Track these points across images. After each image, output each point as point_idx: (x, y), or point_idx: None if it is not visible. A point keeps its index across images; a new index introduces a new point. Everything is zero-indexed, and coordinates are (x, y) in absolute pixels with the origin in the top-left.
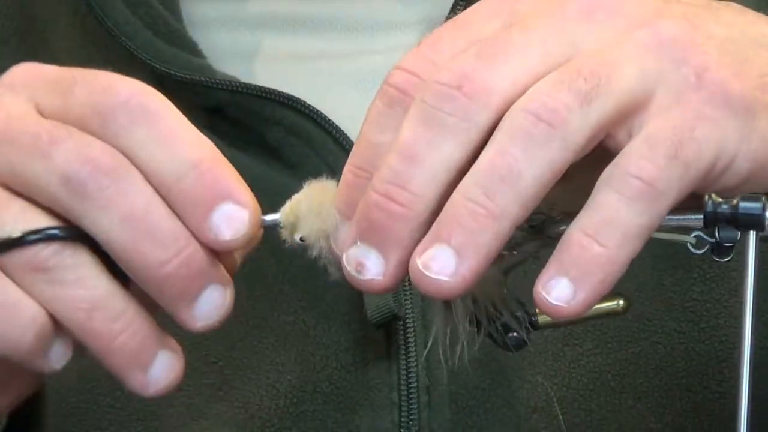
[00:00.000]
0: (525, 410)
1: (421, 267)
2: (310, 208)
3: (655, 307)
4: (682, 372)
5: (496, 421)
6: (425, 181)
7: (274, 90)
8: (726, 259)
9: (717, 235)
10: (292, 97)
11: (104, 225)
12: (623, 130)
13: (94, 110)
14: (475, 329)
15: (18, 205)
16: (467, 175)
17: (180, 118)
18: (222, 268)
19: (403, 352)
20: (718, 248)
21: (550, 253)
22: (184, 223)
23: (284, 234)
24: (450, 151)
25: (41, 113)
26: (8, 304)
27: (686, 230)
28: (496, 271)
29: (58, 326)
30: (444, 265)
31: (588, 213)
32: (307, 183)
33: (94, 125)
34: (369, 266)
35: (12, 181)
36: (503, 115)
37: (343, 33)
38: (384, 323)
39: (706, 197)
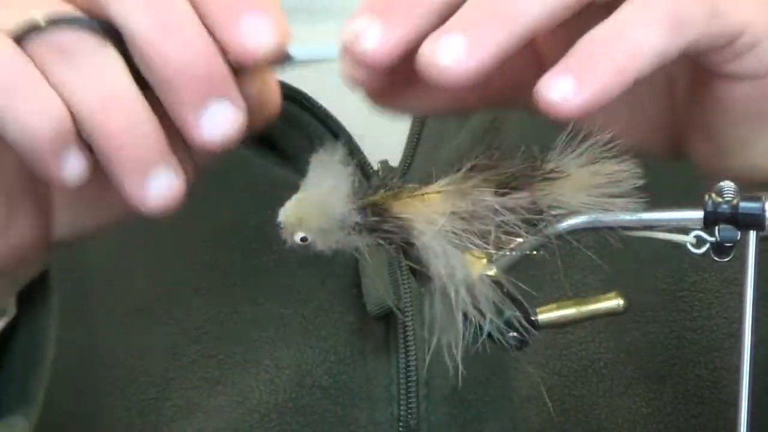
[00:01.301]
0: (519, 400)
1: (427, 52)
2: (312, 207)
3: (647, 297)
4: (673, 360)
5: (493, 413)
6: None
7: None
8: (726, 259)
9: (717, 234)
10: (292, 87)
11: (128, 14)
12: None
13: None
14: (477, 328)
15: None
16: None
17: None
18: (238, 92)
19: (402, 345)
20: (718, 248)
21: (551, 252)
22: (211, 30)
23: (285, 234)
24: None
25: None
26: (30, 89)
27: (686, 230)
28: (495, 270)
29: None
30: (453, 50)
31: (604, 24)
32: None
33: None
34: (368, 35)
35: None
36: None
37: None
38: (383, 316)
39: (706, 197)
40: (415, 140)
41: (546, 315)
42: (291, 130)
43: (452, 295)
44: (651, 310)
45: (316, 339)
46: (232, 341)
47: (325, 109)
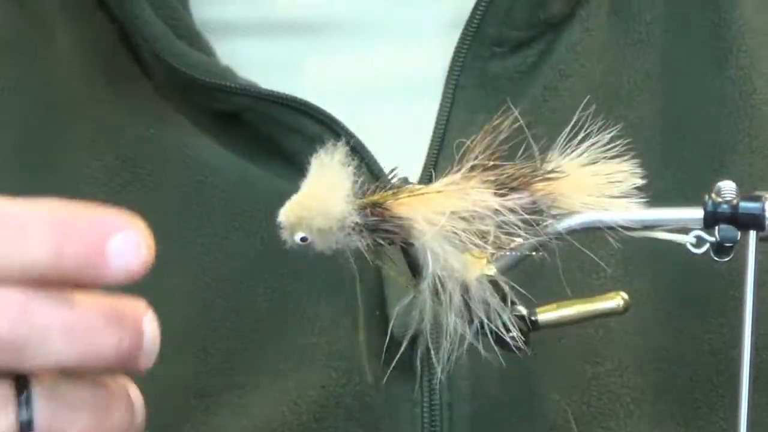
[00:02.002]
0: (543, 427)
1: None
2: (312, 207)
3: (673, 337)
4: (699, 402)
5: None
6: None
7: (294, 97)
8: (725, 259)
9: (717, 235)
10: (312, 105)
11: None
12: None
13: None
14: (477, 329)
15: None
16: None
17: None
18: None
19: (426, 367)
20: (718, 248)
21: (552, 252)
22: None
23: (285, 234)
24: None
25: None
26: None
27: (686, 230)
28: (495, 270)
29: None
30: None
31: None
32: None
33: None
34: None
35: None
36: None
37: (356, 37)
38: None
39: (706, 197)
40: (436, 152)
41: (546, 315)
42: (310, 146)
43: (448, 295)
44: (675, 350)
45: (340, 360)
46: (257, 369)
47: (342, 124)
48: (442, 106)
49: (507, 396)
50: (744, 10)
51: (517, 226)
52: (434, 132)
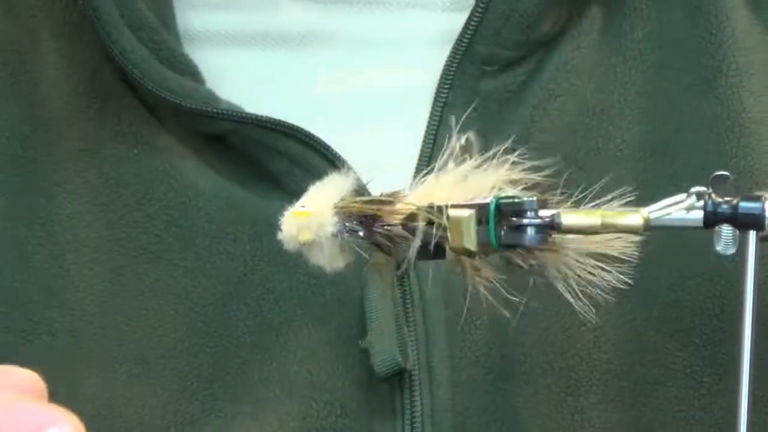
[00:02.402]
0: None
1: None
2: (309, 218)
3: (658, 371)
4: None
5: None
6: None
7: (277, 120)
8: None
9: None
10: (295, 127)
11: None
12: None
13: None
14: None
15: None
16: None
17: None
18: None
19: (408, 404)
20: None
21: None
22: None
23: (286, 244)
24: None
25: None
26: None
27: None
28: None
29: None
30: None
31: None
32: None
33: None
34: None
35: None
36: None
37: (345, 51)
38: (390, 376)
39: (706, 197)
40: (424, 169)
41: (570, 218)
42: (295, 168)
43: None
44: (660, 384)
45: (321, 392)
46: (239, 401)
47: (327, 145)
48: (429, 123)
49: (489, 430)
50: (734, 29)
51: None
52: (422, 150)
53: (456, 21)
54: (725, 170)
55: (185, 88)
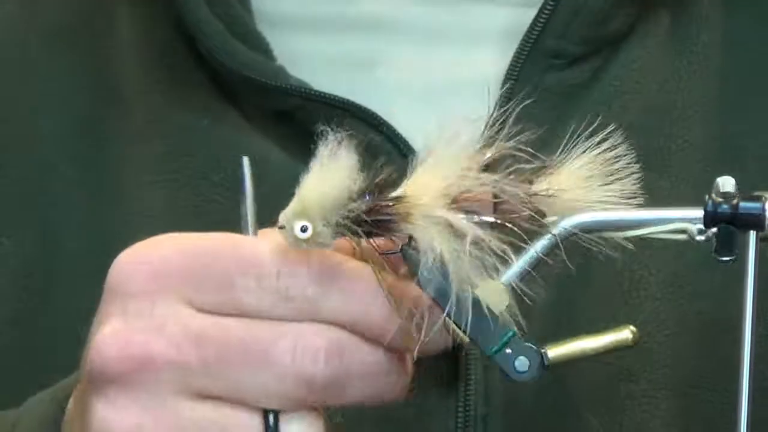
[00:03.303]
0: None
1: None
2: (316, 197)
3: (709, 363)
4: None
5: None
6: None
7: (345, 99)
8: (727, 258)
9: (712, 234)
10: (363, 107)
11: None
12: None
13: (279, 297)
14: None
15: None
16: None
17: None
18: None
19: (463, 382)
20: (720, 246)
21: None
22: None
23: (286, 227)
24: None
25: (200, 310)
26: None
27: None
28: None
29: None
30: None
31: None
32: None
33: (283, 310)
34: None
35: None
36: None
37: (414, 40)
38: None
39: (707, 197)
40: None
41: (556, 351)
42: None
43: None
44: (709, 377)
45: None
46: None
47: (392, 128)
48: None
49: (541, 411)
50: None
51: (519, 226)
52: None
53: (524, 16)
54: None
55: (257, 63)
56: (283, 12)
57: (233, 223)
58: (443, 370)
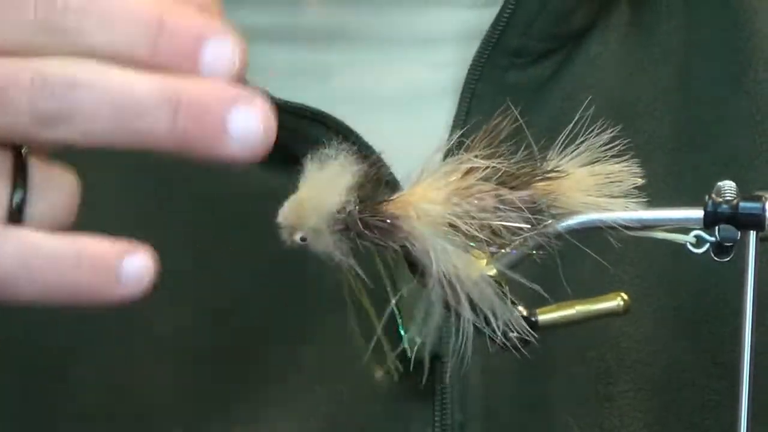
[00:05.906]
0: None
1: None
2: (310, 206)
3: (687, 359)
4: (711, 427)
5: None
6: None
7: (307, 107)
8: (726, 259)
9: (717, 235)
10: (325, 114)
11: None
12: None
13: (37, 28)
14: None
15: None
16: None
17: None
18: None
19: (439, 389)
20: (718, 248)
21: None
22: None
23: (284, 235)
24: None
25: None
26: None
27: (686, 230)
28: (495, 269)
29: None
30: None
31: None
32: (304, 178)
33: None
34: None
35: None
36: None
37: (369, 47)
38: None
39: (707, 197)
40: None
41: (546, 315)
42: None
43: (457, 293)
44: (689, 372)
45: (352, 378)
46: (267, 385)
47: (359, 136)
48: (458, 114)
49: (519, 417)
50: (763, 23)
51: (518, 227)
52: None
53: (483, 17)
54: (755, 164)
55: None
56: (237, 23)
57: (201, 239)
58: (420, 377)
